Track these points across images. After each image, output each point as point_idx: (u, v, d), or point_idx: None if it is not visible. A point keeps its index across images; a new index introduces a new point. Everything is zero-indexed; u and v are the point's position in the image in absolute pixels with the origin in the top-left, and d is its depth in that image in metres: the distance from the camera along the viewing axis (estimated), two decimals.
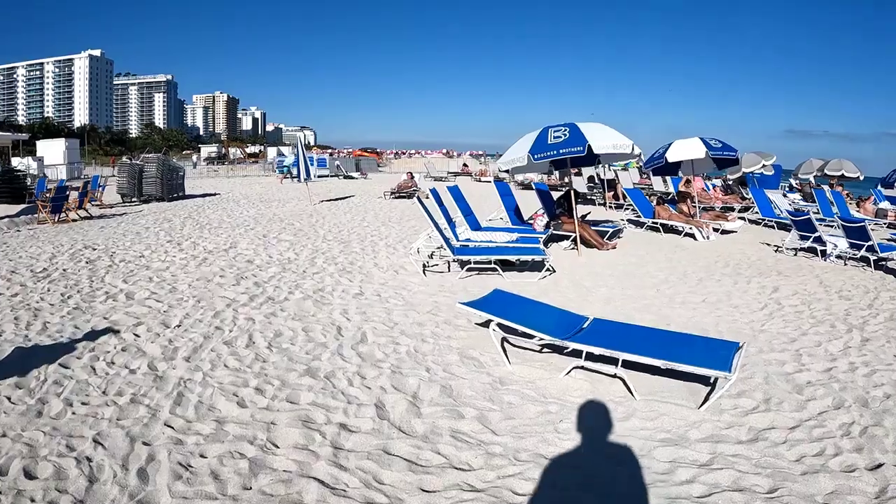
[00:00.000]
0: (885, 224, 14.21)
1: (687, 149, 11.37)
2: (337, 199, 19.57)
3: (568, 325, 4.78)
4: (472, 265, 7.86)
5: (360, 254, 9.37)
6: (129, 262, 8.53)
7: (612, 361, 4.30)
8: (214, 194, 21.93)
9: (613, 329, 4.81)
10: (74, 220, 13.60)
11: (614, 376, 4.35)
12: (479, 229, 9.89)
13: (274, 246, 9.98)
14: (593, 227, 10.30)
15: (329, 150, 76.59)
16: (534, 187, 12.18)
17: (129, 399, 3.98)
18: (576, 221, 9.64)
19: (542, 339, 4.51)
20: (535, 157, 8.74)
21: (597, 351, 4.23)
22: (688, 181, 16.54)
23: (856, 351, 5.24)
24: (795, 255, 9.98)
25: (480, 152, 77.41)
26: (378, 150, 79.99)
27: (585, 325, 4.82)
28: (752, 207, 16.29)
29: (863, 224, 8.96)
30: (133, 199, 18.58)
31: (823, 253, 9.53)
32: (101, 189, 18.41)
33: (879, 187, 18.84)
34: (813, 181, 22.92)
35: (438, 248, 8.64)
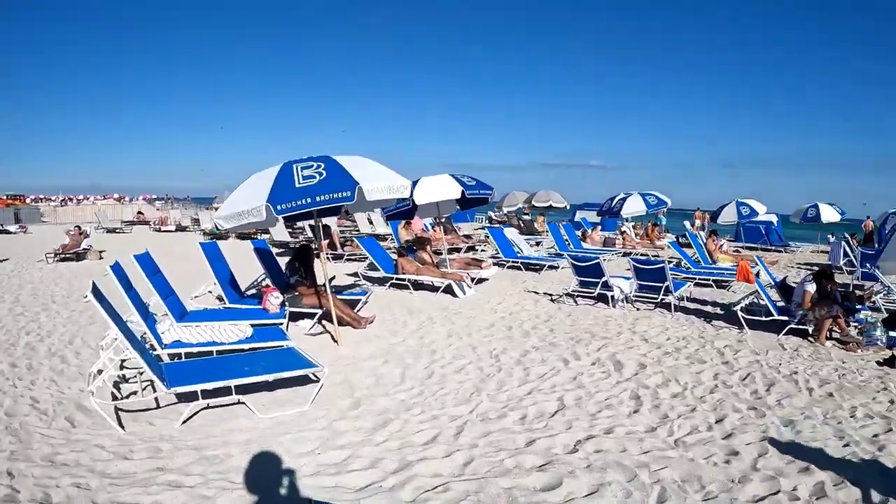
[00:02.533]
0: (620, 253, 14.45)
1: (438, 188, 9.37)
2: None
3: None
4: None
5: (8, 378, 5.31)
6: None
7: None
8: None
9: None
10: None
11: None
12: (187, 317, 6.44)
13: None
14: (338, 296, 7.59)
15: None
16: (252, 246, 8.77)
17: None
18: (329, 295, 6.85)
19: None
20: (279, 207, 5.83)
21: None
22: (407, 223, 14.97)
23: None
24: (576, 304, 8.74)
25: (154, 196, 67.94)
26: (25, 197, 63.63)
27: None
28: (475, 248, 15.45)
29: (662, 265, 8.06)
30: None
31: (612, 299, 8.38)
32: None
33: (580, 215, 19.95)
34: (505, 213, 23.73)
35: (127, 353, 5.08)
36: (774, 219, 19.45)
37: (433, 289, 9.79)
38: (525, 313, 8.22)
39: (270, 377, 4.79)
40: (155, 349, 5.37)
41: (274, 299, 7.28)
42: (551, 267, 12.34)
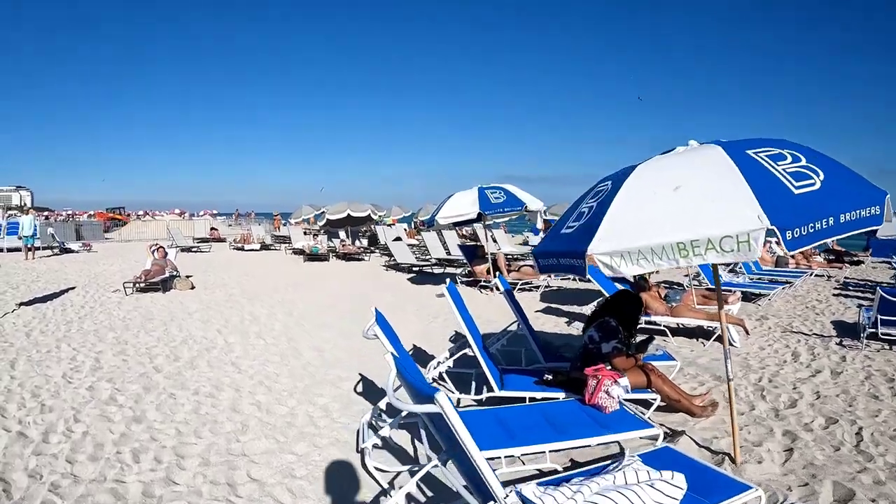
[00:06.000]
0: (812, 274, 13.94)
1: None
2: (43, 300, 11.38)
3: None
4: None
5: None
6: None
7: None
8: None
9: None
10: None
11: None
12: (492, 441, 4.18)
13: None
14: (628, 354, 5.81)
15: (45, 213, 55.90)
16: (500, 289, 7.12)
17: None
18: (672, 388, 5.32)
19: None
20: (789, 236, 3.47)
21: None
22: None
23: None
24: (869, 346, 8.05)
25: (216, 211, 66.40)
26: (126, 212, 63.00)
27: None
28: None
29: None
30: None
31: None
32: None
33: None
34: None
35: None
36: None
37: (677, 332, 8.49)
38: (849, 367, 7.12)
39: None
40: None
41: (615, 390, 4.78)
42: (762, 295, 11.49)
